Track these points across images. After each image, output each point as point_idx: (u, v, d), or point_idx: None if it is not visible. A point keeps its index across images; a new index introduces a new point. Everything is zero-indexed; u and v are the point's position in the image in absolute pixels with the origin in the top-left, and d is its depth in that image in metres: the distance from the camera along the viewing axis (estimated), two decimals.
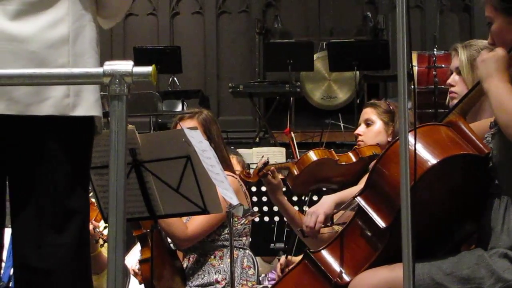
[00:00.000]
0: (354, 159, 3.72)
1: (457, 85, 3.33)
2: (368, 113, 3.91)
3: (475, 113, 3.21)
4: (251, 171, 3.80)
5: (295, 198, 4.29)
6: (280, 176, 3.82)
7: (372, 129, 3.85)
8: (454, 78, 3.37)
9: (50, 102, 2.22)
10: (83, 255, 2.31)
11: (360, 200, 2.92)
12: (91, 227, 4.17)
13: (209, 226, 4.05)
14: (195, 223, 3.98)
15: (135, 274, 4.34)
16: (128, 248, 4.68)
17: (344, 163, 3.71)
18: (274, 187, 3.66)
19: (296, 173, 3.63)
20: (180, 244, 4.05)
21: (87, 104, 2.26)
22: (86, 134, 2.32)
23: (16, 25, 2.20)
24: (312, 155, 3.66)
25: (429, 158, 2.80)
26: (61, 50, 2.24)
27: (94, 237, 4.21)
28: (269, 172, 3.63)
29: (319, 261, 2.97)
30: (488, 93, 2.80)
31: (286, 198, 3.76)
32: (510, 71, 2.82)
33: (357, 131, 3.91)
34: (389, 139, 3.81)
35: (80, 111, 2.26)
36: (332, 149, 3.85)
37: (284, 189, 3.86)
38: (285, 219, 4.09)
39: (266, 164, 3.65)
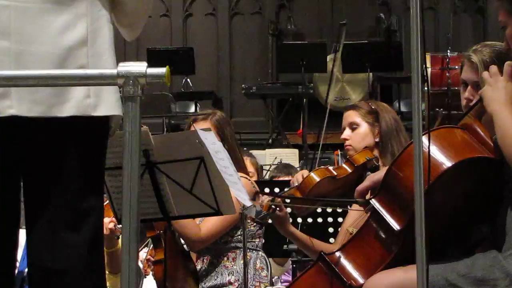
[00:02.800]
0: (349, 170, 3.69)
1: (476, 99, 3.23)
2: (352, 116, 3.83)
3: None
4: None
5: (299, 220, 4.29)
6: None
7: (358, 133, 3.80)
8: (472, 92, 3.20)
9: (72, 103, 2.22)
10: (97, 256, 2.31)
11: (375, 203, 2.92)
12: (112, 224, 4.20)
13: (222, 228, 4.05)
14: (208, 225, 3.98)
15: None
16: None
17: (342, 176, 3.68)
18: (281, 219, 3.63)
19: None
20: (193, 246, 4.05)
21: (108, 103, 2.27)
22: (102, 135, 2.33)
23: (37, 26, 2.21)
24: (314, 177, 3.61)
25: (444, 160, 2.80)
26: (80, 52, 2.25)
27: (115, 233, 4.25)
28: (277, 207, 3.59)
29: (334, 263, 2.97)
30: (493, 118, 2.80)
31: (294, 228, 3.74)
32: None
33: (343, 136, 3.84)
34: (377, 139, 3.77)
35: (101, 111, 2.26)
36: (328, 166, 3.83)
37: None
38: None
39: (273, 200, 3.61)
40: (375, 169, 3.60)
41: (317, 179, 3.59)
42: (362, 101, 4.01)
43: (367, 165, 3.67)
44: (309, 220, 4.25)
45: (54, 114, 2.21)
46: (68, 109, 2.22)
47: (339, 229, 3.95)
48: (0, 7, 2.20)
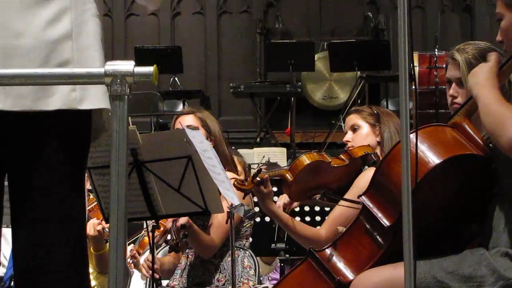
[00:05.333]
0: (346, 161, 3.71)
1: (460, 96, 3.23)
2: (353, 119, 3.90)
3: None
4: (248, 178, 3.77)
5: (297, 209, 4.31)
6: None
7: (360, 133, 3.85)
8: (456, 89, 3.25)
9: (58, 97, 2.21)
10: (82, 255, 2.30)
11: (365, 199, 2.93)
12: (100, 227, 4.21)
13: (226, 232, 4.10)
14: (219, 232, 4.01)
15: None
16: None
17: (337, 165, 3.69)
18: (264, 196, 3.64)
19: (290, 179, 3.60)
20: (209, 254, 4.07)
21: (94, 97, 2.25)
22: (85, 130, 2.31)
23: (21, 20, 2.20)
24: (305, 159, 3.63)
25: (433, 158, 2.81)
26: (65, 46, 2.23)
27: (103, 237, 4.25)
28: (263, 180, 3.60)
29: (323, 260, 2.97)
30: (477, 100, 2.81)
31: (276, 205, 3.75)
32: (502, 86, 2.83)
33: (345, 138, 3.90)
34: (378, 139, 3.82)
35: (87, 105, 2.24)
36: (324, 152, 3.84)
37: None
38: None
39: (259, 171, 3.62)
40: (374, 164, 3.61)
41: (307, 162, 3.60)
42: (365, 106, 4.07)
43: (366, 159, 3.68)
44: (297, 218, 4.26)
45: (40, 108, 2.20)
46: (54, 103, 2.21)
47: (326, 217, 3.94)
48: None
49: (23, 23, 2.20)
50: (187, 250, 4.20)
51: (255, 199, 4.54)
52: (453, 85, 3.22)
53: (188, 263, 4.17)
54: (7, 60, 2.16)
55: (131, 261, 4.50)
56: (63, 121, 2.24)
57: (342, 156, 3.72)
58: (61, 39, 2.23)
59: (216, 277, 4.09)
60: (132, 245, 4.63)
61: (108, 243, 4.24)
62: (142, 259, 4.83)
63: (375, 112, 3.89)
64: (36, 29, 2.20)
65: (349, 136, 3.88)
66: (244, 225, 4.23)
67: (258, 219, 4.50)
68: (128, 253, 4.43)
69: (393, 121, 3.86)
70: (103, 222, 4.23)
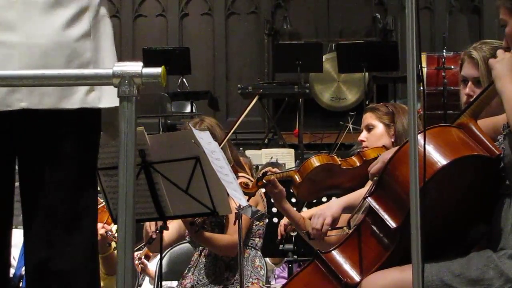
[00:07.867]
0: (358, 163, 3.71)
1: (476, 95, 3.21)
2: (368, 118, 3.89)
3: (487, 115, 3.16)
4: (250, 183, 3.78)
5: (293, 200, 4.32)
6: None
7: (374, 133, 3.84)
8: (472, 88, 3.21)
9: (79, 95, 2.23)
10: (93, 254, 2.31)
11: (371, 201, 2.92)
12: (103, 230, 4.21)
13: (247, 228, 4.13)
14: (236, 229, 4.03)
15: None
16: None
17: (348, 167, 3.69)
18: (276, 196, 3.65)
19: (298, 181, 3.61)
20: (232, 251, 4.07)
21: (111, 95, 2.26)
22: (97, 128, 2.33)
23: (43, 19, 2.21)
24: (314, 161, 3.64)
25: (440, 159, 2.80)
26: (86, 44, 2.26)
27: (106, 240, 4.25)
28: (269, 182, 3.61)
29: (330, 262, 2.97)
30: (501, 94, 2.78)
31: (290, 205, 3.76)
32: None
33: (360, 138, 3.91)
34: (392, 139, 3.81)
35: (105, 103, 2.26)
36: (334, 154, 3.84)
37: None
38: None
39: (265, 174, 3.63)
40: None
41: (316, 164, 3.60)
42: (381, 103, 4.05)
43: None
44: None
45: (64, 106, 2.22)
46: (77, 101, 2.23)
47: None
48: (8, 2, 2.20)
49: (46, 23, 2.21)
50: (200, 247, 4.21)
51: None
52: (469, 84, 3.19)
53: (200, 261, 4.17)
54: (32, 60, 2.17)
55: (138, 263, 4.50)
56: (80, 118, 2.25)
57: (354, 158, 3.72)
58: (82, 37, 2.25)
59: (226, 276, 4.10)
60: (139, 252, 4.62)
61: (110, 247, 4.24)
62: (150, 264, 4.83)
63: (390, 110, 3.87)
64: (57, 28, 2.22)
65: (363, 135, 3.87)
66: (256, 223, 4.23)
67: (266, 220, 4.50)
68: (136, 257, 4.43)
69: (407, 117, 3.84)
70: (106, 225, 4.23)
